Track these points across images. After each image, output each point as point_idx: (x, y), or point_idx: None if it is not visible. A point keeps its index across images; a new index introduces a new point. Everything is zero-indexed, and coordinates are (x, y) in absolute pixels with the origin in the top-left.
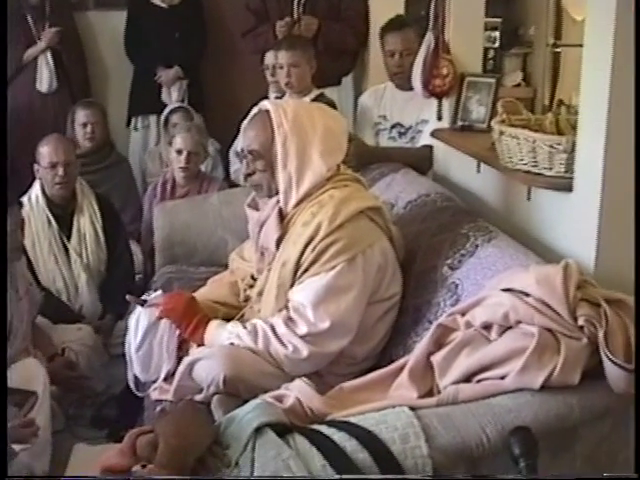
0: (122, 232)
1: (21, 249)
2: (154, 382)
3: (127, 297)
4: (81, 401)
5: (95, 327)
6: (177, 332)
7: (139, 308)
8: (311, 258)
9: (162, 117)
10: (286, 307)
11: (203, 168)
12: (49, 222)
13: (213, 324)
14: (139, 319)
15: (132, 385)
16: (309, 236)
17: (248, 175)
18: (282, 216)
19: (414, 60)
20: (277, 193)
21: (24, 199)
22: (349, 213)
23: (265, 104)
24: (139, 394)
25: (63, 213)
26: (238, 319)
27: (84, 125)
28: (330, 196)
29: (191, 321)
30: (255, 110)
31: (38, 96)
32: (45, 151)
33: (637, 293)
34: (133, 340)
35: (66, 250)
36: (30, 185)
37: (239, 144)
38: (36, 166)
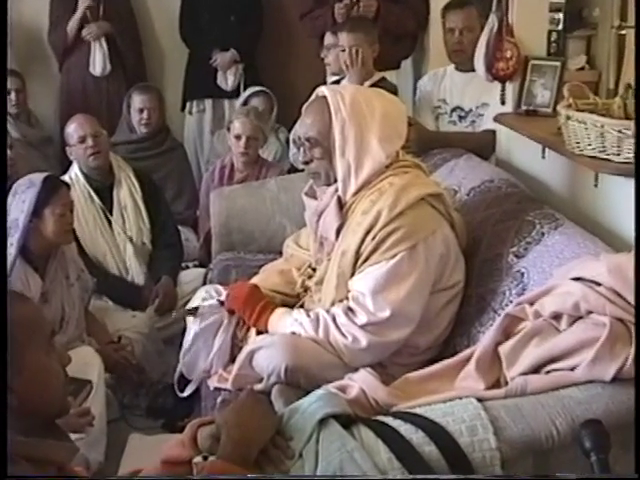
0: (162, 202)
1: (71, 232)
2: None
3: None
4: (136, 390)
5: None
6: (230, 336)
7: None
8: (371, 247)
9: (241, 99)
10: (347, 297)
11: (271, 157)
12: (91, 197)
13: (279, 311)
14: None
15: (176, 384)
16: (369, 224)
17: (305, 163)
18: (341, 205)
19: (474, 38)
20: (335, 181)
21: (65, 178)
22: (409, 200)
23: (322, 90)
24: (179, 393)
25: (103, 187)
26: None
27: (140, 110)
28: (390, 183)
29: (255, 308)
30: (312, 96)
31: (91, 80)
32: (71, 129)
33: (637, 295)
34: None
35: (110, 224)
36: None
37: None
38: (68, 149)
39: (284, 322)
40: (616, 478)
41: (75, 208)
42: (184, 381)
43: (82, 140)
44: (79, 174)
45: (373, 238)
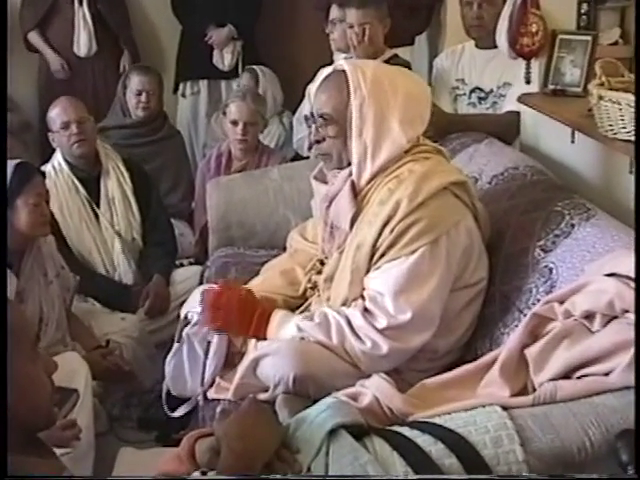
0: (154, 194)
1: (47, 225)
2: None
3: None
4: (127, 400)
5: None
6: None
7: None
8: (389, 240)
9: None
10: (362, 296)
11: (273, 144)
12: (76, 187)
13: (277, 316)
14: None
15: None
16: (387, 216)
17: (317, 142)
18: (355, 191)
19: (495, 13)
20: (348, 164)
21: (47, 168)
22: (431, 189)
23: (342, 64)
24: (169, 413)
25: (89, 177)
26: (304, 309)
27: (139, 93)
28: (409, 170)
29: (251, 320)
30: (329, 70)
31: (76, 61)
32: (55, 114)
33: (637, 292)
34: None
35: (97, 217)
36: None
37: (307, 108)
38: (50, 135)
39: (285, 330)
40: (616, 478)
41: (59, 200)
42: (173, 397)
43: (65, 126)
44: (62, 163)
45: (391, 231)
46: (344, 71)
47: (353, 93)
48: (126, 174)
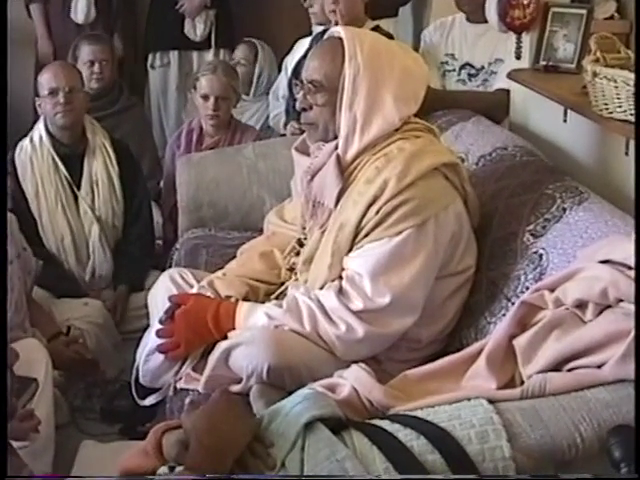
0: (141, 182)
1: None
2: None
3: None
4: (89, 390)
5: (106, 300)
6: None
7: None
8: (374, 221)
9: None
10: (339, 277)
11: (259, 126)
12: (55, 165)
13: (243, 308)
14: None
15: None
16: (373, 196)
17: (303, 110)
18: (341, 167)
19: None
20: (334, 138)
21: (25, 141)
22: (422, 169)
23: (338, 30)
24: (139, 400)
25: (71, 154)
26: (279, 294)
27: (91, 63)
28: (399, 148)
29: (207, 327)
30: (325, 36)
31: (73, 28)
32: (44, 79)
33: (637, 293)
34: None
35: (75, 199)
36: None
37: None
38: (37, 100)
39: (253, 321)
40: (616, 478)
41: (34, 178)
42: (142, 386)
43: (53, 93)
44: (44, 136)
45: (377, 212)
46: (340, 38)
47: (348, 62)
48: (113, 155)
